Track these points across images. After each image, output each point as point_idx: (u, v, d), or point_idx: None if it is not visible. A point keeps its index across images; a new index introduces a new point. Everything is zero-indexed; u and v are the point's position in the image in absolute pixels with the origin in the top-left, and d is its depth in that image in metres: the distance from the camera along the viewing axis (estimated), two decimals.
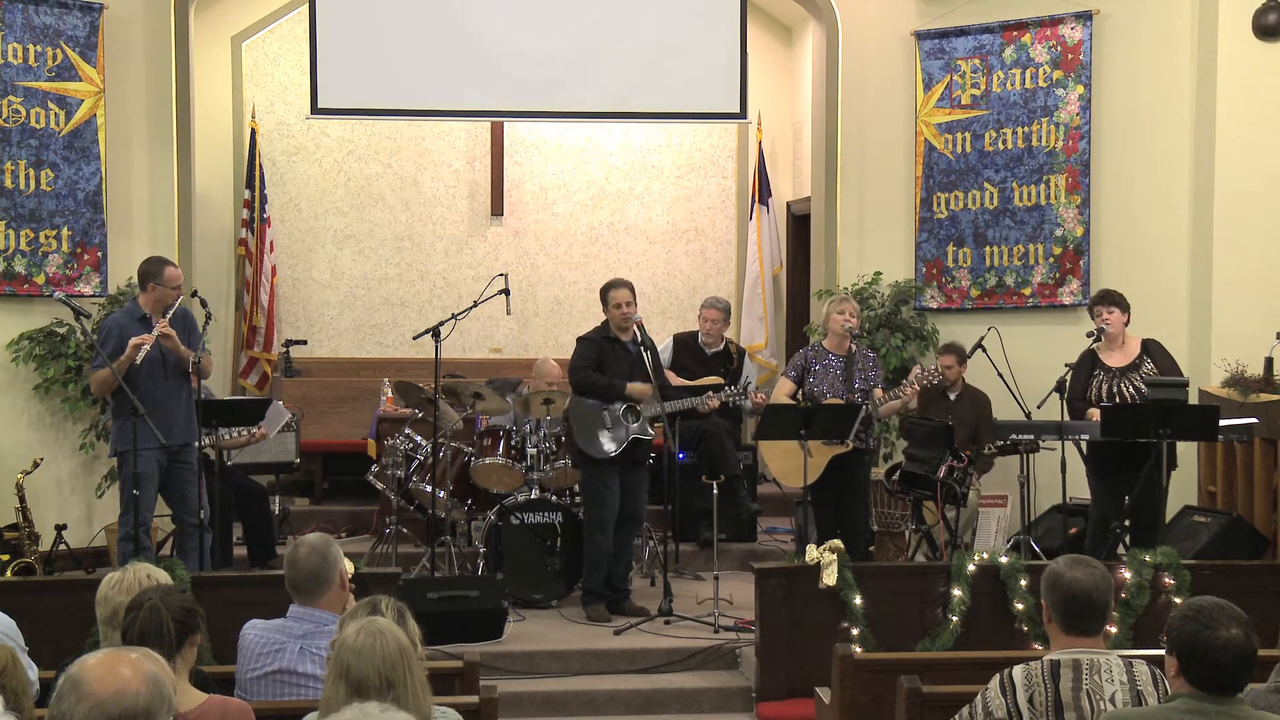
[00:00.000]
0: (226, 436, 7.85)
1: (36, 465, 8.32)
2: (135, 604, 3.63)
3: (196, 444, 7.24)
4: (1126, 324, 7.36)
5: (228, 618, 4.91)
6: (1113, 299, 7.35)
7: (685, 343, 9.30)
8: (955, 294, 9.44)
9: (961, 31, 9.33)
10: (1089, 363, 7.38)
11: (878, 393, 7.46)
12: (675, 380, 8.57)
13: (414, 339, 8.55)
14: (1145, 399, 7.05)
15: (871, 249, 9.61)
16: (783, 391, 7.64)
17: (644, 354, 7.65)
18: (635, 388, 7.55)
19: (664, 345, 9.29)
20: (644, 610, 7.53)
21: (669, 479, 8.01)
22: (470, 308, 8.42)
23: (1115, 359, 7.34)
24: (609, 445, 7.52)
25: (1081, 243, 8.95)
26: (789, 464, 7.41)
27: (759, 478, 9.87)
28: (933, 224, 9.50)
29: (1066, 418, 7.17)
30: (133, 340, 6.84)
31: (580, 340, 7.79)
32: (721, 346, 9.21)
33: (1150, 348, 7.36)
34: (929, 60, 9.43)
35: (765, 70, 11.23)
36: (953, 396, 8.55)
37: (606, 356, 7.63)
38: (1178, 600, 5.86)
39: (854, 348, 7.56)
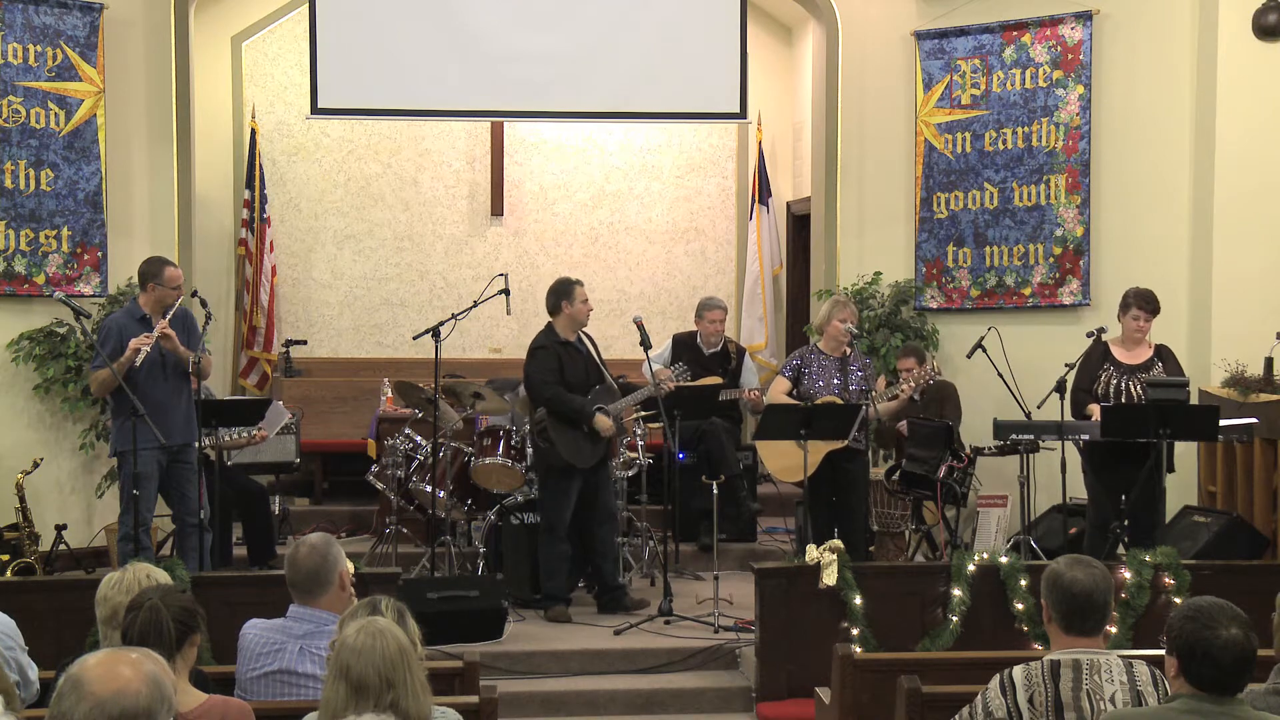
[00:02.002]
0: (227, 437, 7.85)
1: (36, 465, 8.32)
2: (135, 604, 3.63)
3: (196, 444, 7.24)
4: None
5: (228, 618, 4.92)
6: (1153, 307, 7.30)
7: (684, 343, 9.28)
8: (955, 294, 9.44)
9: (961, 31, 9.33)
10: (1100, 354, 7.38)
11: (877, 392, 7.46)
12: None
13: (414, 339, 8.55)
14: (1146, 398, 7.05)
15: (871, 249, 9.61)
16: (779, 390, 7.64)
17: (594, 352, 7.66)
18: (601, 422, 7.50)
19: (663, 347, 9.28)
20: (643, 602, 7.54)
21: (669, 479, 8.01)
22: (470, 308, 8.43)
23: (1128, 356, 7.35)
24: (595, 451, 7.53)
25: (1081, 243, 8.95)
26: (785, 461, 7.42)
27: (759, 478, 9.87)
28: (933, 224, 9.50)
29: (1068, 411, 7.17)
30: (132, 342, 6.84)
31: (533, 351, 7.66)
32: (720, 346, 9.20)
33: (1164, 354, 7.37)
34: (929, 60, 9.43)
35: (765, 70, 11.23)
36: (918, 398, 8.52)
37: (564, 362, 7.60)
38: (1178, 600, 5.86)
39: (849, 350, 7.56)
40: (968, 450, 8.15)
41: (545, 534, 7.65)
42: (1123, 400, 7.21)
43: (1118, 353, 7.37)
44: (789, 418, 7.11)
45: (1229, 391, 7.71)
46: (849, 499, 7.49)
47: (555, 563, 7.61)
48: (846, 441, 7.25)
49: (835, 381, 7.48)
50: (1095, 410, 7.12)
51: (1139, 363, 7.33)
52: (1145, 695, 3.53)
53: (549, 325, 7.70)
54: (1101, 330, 7.41)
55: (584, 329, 7.75)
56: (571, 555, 7.71)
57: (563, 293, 7.67)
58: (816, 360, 7.59)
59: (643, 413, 8.34)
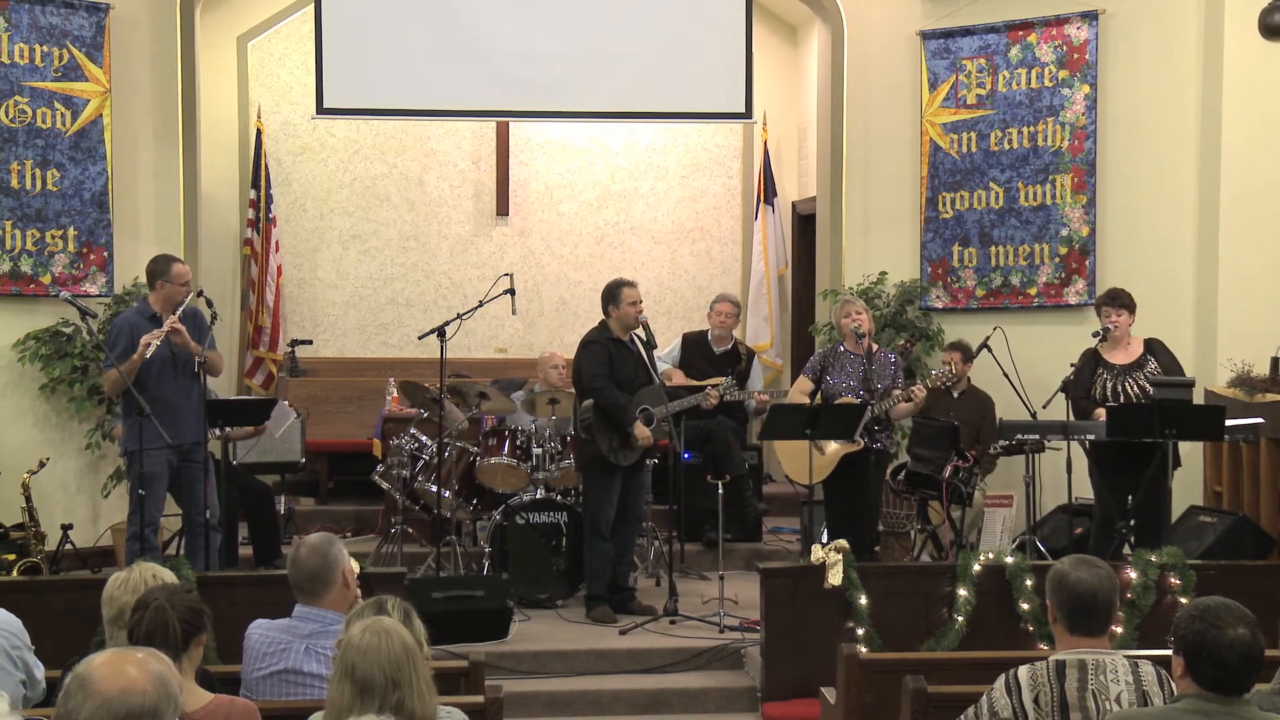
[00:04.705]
0: (230, 429, 7.81)
1: (43, 465, 8.32)
2: (141, 604, 3.63)
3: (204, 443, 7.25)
4: (1131, 325, 7.37)
5: (233, 617, 4.93)
6: (1121, 301, 7.33)
7: (694, 342, 9.28)
8: (961, 294, 9.43)
9: (967, 31, 9.32)
10: (1092, 361, 7.38)
11: (896, 393, 7.39)
12: (682, 380, 8.57)
13: (419, 339, 8.56)
14: (1150, 398, 7.04)
15: (877, 249, 9.60)
16: (800, 389, 7.63)
17: (644, 353, 7.65)
18: (640, 432, 7.48)
19: (672, 345, 9.29)
20: (651, 609, 7.52)
21: (674, 479, 8.01)
22: (476, 308, 8.44)
23: (1118, 357, 7.35)
24: (631, 452, 7.51)
25: (1087, 242, 8.94)
26: (801, 462, 7.40)
27: (765, 477, 9.87)
28: (938, 224, 9.49)
29: (1072, 417, 7.17)
30: (143, 339, 6.84)
31: (585, 344, 7.68)
32: (730, 346, 9.20)
33: (1154, 347, 7.36)
34: (934, 60, 9.42)
35: (770, 70, 11.22)
36: (956, 395, 8.52)
37: (614, 359, 7.60)
38: (1183, 600, 5.87)
39: (874, 347, 7.53)
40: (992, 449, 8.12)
41: (589, 534, 7.61)
42: (1120, 401, 7.21)
43: (1107, 355, 7.37)
44: (794, 417, 7.10)
45: (1235, 391, 7.69)
46: (857, 498, 7.46)
47: (599, 563, 7.57)
48: (860, 443, 7.22)
49: (855, 381, 7.43)
50: (1101, 411, 7.12)
51: (1131, 361, 7.32)
52: (1151, 695, 3.52)
53: (602, 322, 7.72)
54: (1107, 330, 7.39)
55: (636, 331, 7.70)
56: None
57: (610, 296, 7.68)
58: (841, 359, 7.55)
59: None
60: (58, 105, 8.65)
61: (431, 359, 8.16)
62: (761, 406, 8.87)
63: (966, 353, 8.44)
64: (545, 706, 6.55)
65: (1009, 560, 6.27)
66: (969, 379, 8.58)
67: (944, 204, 9.45)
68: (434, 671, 3.34)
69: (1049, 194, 9.07)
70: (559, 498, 8.06)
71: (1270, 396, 7.47)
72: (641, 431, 7.47)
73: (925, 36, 9.44)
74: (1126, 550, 6.83)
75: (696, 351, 9.19)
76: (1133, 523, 7.02)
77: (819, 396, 7.54)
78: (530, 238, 11.41)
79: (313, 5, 9.41)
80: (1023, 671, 3.61)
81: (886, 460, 7.81)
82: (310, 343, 10.98)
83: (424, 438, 8.37)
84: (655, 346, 7.80)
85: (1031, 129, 9.11)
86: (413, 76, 9.43)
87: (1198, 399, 7.49)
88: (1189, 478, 7.94)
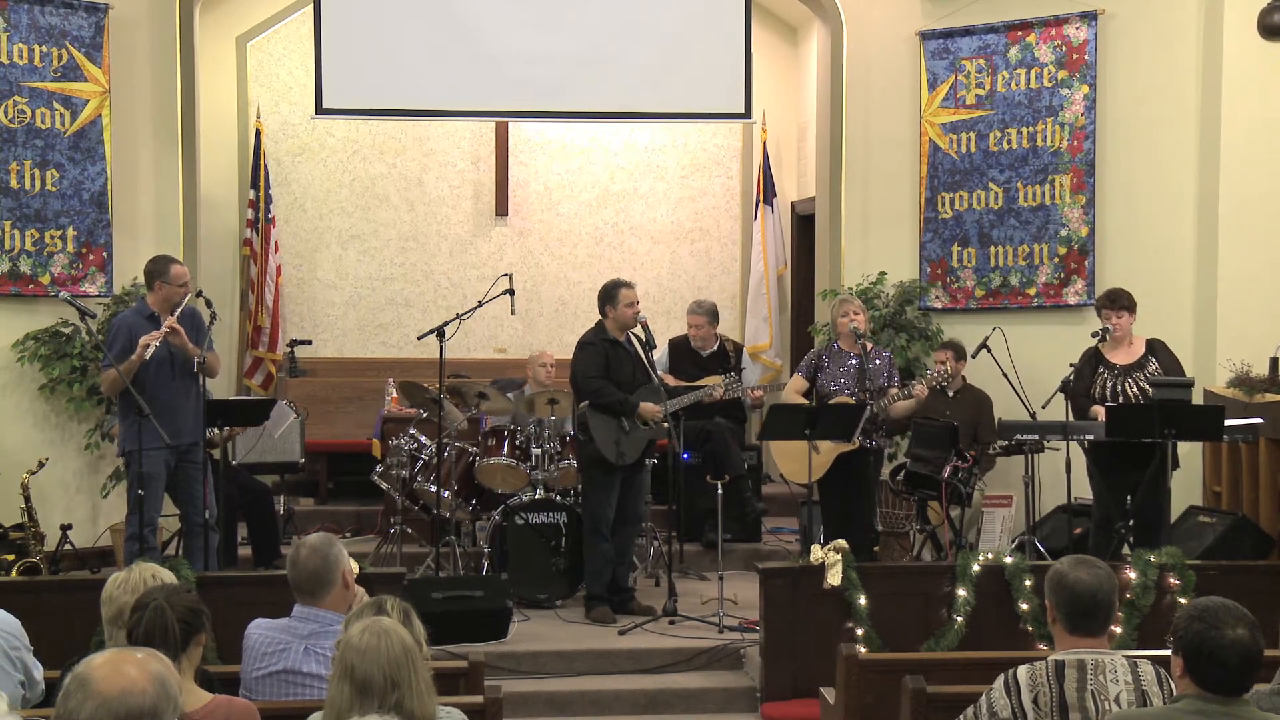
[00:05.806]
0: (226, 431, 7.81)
1: (42, 465, 8.32)
2: (140, 604, 3.63)
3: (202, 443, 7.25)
4: (1132, 324, 7.38)
5: (233, 617, 4.93)
6: (1121, 303, 7.33)
7: (680, 347, 9.28)
8: (960, 294, 9.43)
9: (966, 31, 9.32)
10: (1093, 360, 7.38)
11: (892, 392, 7.41)
12: (673, 383, 8.57)
13: (419, 339, 8.56)
14: (1150, 398, 7.04)
15: (876, 249, 9.60)
16: (794, 389, 7.63)
17: (642, 353, 7.65)
18: (646, 408, 7.50)
19: (660, 351, 9.27)
20: (650, 609, 7.52)
21: (674, 479, 8.01)
22: (475, 308, 8.44)
23: (1119, 357, 7.35)
24: (630, 451, 7.51)
25: (1086, 243, 8.94)
26: (798, 463, 7.40)
27: (764, 477, 9.86)
28: (937, 224, 9.49)
29: (1072, 416, 7.17)
30: (142, 340, 6.84)
31: (582, 345, 7.69)
32: (716, 347, 9.19)
33: (1155, 347, 7.37)
34: (934, 60, 9.42)
35: (770, 70, 11.22)
36: (951, 394, 8.51)
37: (611, 360, 7.60)
38: (1183, 600, 5.87)
39: (869, 346, 7.54)
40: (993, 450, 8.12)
41: (589, 534, 7.61)
42: (1120, 401, 7.21)
43: (1109, 354, 7.37)
44: (794, 418, 7.11)
45: (1234, 391, 7.69)
46: (855, 497, 7.46)
47: (599, 563, 7.56)
48: (856, 443, 7.23)
49: (851, 381, 7.44)
50: (1100, 411, 7.13)
51: (1132, 361, 7.32)
52: (1150, 695, 3.52)
53: (599, 323, 7.72)
54: (1106, 330, 7.40)
55: (635, 330, 7.70)
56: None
57: (607, 297, 7.68)
58: (835, 358, 7.55)
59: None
60: (57, 105, 8.65)
61: (431, 359, 8.17)
62: (756, 401, 8.86)
63: (960, 352, 8.45)
64: (545, 706, 6.55)
65: (1008, 560, 6.27)
66: (964, 378, 8.58)
67: (943, 204, 9.45)
68: (433, 672, 3.34)
69: (1048, 194, 9.07)
70: (558, 498, 8.06)
71: (1269, 396, 7.47)
72: (649, 408, 7.47)
73: (925, 37, 9.44)
74: (1126, 550, 6.83)
75: (684, 356, 9.18)
76: (1132, 523, 7.02)
77: (814, 395, 7.55)
78: (529, 238, 11.41)
79: (312, 5, 9.41)
80: (1022, 672, 3.61)
81: (882, 459, 7.81)
82: (309, 343, 10.97)
83: (423, 438, 8.37)
84: (654, 347, 7.80)
85: (1031, 129, 9.12)
86: (412, 76, 9.44)
87: (1197, 399, 7.49)
88: (1188, 478, 7.95)
